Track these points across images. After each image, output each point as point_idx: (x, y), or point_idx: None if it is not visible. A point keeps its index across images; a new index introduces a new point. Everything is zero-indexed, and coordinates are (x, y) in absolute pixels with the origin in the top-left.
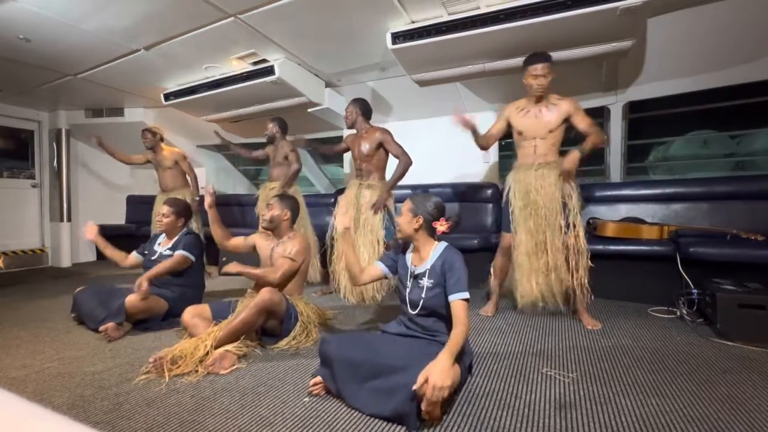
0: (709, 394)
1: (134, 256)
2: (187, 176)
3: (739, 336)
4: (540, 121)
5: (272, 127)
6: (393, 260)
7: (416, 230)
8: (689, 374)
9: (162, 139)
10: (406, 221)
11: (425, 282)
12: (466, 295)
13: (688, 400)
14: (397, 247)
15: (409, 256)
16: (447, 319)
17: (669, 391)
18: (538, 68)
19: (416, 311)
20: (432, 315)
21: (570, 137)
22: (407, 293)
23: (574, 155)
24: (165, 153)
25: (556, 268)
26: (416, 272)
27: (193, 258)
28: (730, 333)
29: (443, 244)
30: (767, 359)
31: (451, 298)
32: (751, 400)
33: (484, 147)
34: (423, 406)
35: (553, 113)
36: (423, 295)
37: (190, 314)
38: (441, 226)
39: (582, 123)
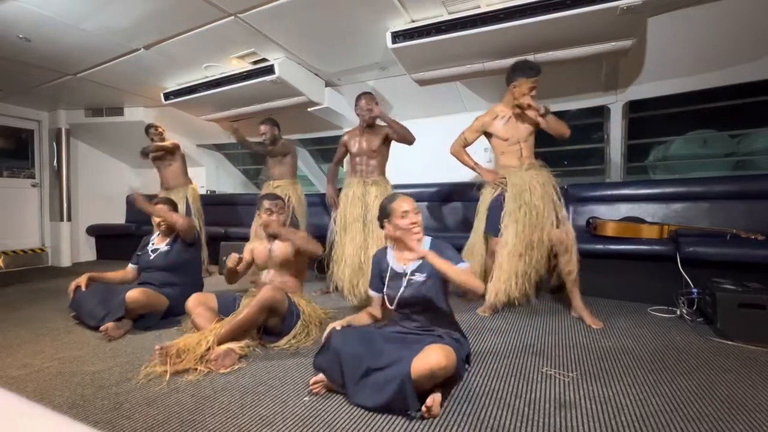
0: (708, 393)
1: (131, 268)
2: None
3: (739, 336)
4: (521, 125)
5: (271, 129)
6: (377, 278)
7: None
8: (689, 374)
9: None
10: (420, 220)
11: (418, 276)
12: (466, 264)
13: (688, 399)
14: (375, 259)
15: (391, 260)
16: (441, 312)
17: (669, 391)
18: (537, 80)
19: (412, 309)
20: (427, 309)
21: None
22: (400, 293)
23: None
24: (169, 146)
25: (537, 263)
26: (408, 270)
27: (197, 230)
28: (730, 333)
29: (429, 238)
30: (767, 359)
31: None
32: (751, 399)
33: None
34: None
35: (526, 118)
36: (419, 290)
37: (195, 301)
38: None
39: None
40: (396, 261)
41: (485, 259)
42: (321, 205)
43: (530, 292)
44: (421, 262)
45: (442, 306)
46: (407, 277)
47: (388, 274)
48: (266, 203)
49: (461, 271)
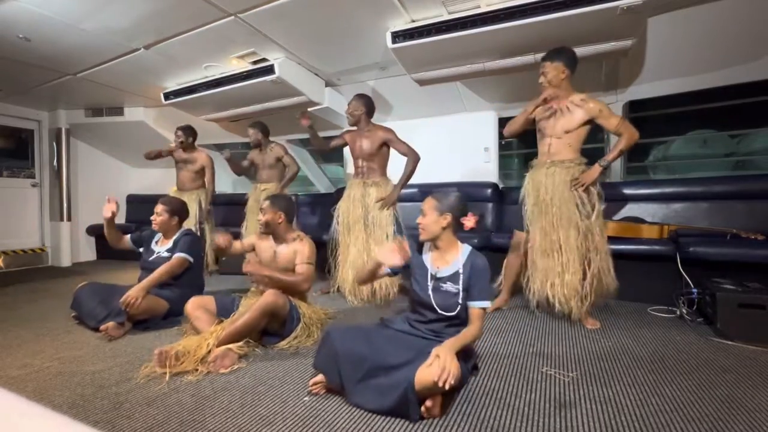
0: (708, 393)
1: (127, 240)
2: (206, 181)
3: (739, 336)
4: (558, 120)
5: (255, 134)
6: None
7: (443, 229)
8: (689, 374)
9: (195, 140)
10: (433, 221)
11: (449, 286)
12: (488, 304)
13: (688, 399)
14: (411, 246)
15: (428, 257)
16: (461, 323)
17: (669, 391)
18: (543, 65)
19: (437, 315)
20: (448, 319)
21: (595, 136)
22: (430, 296)
23: (595, 170)
24: (195, 155)
25: (570, 270)
26: (438, 275)
27: (191, 259)
28: (730, 333)
29: (468, 248)
30: (767, 359)
31: (473, 304)
32: (751, 399)
33: (514, 131)
34: (431, 385)
35: (574, 114)
36: (446, 300)
37: (194, 305)
38: (469, 222)
39: (609, 125)
40: (431, 258)
41: (508, 254)
42: (320, 205)
43: (572, 303)
44: (454, 272)
45: (463, 318)
46: (435, 281)
47: (418, 268)
48: (262, 204)
49: (468, 339)
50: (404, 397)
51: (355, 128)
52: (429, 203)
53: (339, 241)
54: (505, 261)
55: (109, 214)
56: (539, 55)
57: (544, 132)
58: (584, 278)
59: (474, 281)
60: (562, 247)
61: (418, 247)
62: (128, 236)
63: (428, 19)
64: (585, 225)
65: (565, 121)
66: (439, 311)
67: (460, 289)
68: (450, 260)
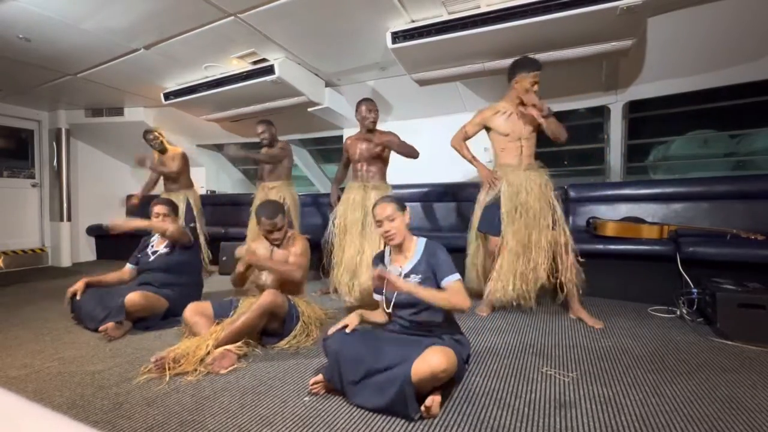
0: (708, 393)
1: (129, 268)
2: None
3: (739, 336)
4: (523, 123)
5: (269, 129)
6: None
7: (407, 225)
8: (689, 374)
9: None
10: (401, 222)
11: (413, 279)
12: (458, 276)
13: (688, 399)
14: (375, 261)
15: (388, 261)
16: (440, 313)
17: (669, 391)
18: (538, 74)
19: (409, 310)
20: (425, 310)
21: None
22: (394, 296)
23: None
24: (169, 153)
25: (536, 268)
26: (404, 272)
27: (191, 237)
28: (730, 333)
29: (423, 239)
30: (767, 359)
31: (446, 282)
32: (751, 399)
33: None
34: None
35: (529, 115)
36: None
37: (192, 311)
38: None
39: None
40: (392, 263)
41: (484, 259)
42: (320, 205)
43: (530, 296)
44: (415, 263)
45: (438, 308)
46: (403, 278)
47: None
48: (265, 221)
49: (443, 296)
50: (401, 391)
51: (356, 132)
52: (391, 207)
53: (334, 243)
54: (484, 266)
55: (81, 295)
56: (539, 55)
57: (512, 135)
58: (557, 271)
59: (437, 267)
60: (534, 247)
61: (381, 257)
62: (128, 266)
63: (428, 19)
64: (560, 224)
65: (530, 121)
66: (411, 306)
67: (423, 277)
68: (409, 255)
